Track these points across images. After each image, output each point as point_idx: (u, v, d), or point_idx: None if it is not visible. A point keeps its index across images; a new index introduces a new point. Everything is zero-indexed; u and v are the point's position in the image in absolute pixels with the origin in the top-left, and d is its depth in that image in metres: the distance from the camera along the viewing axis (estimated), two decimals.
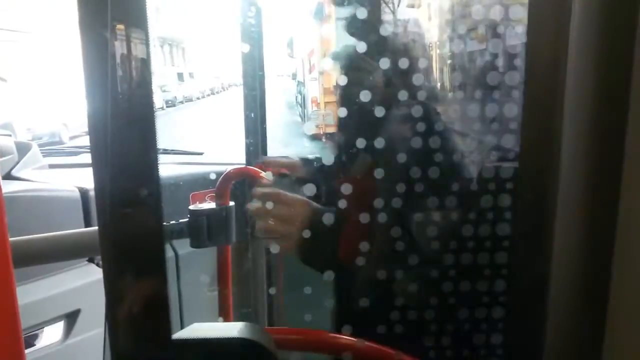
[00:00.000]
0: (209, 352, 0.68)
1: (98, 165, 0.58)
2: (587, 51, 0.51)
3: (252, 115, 1.98)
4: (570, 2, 0.51)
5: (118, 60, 0.56)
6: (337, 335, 0.87)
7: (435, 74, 0.90)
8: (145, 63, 0.57)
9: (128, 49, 0.56)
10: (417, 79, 0.76)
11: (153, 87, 0.58)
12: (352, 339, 0.85)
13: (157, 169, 0.59)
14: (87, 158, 2.50)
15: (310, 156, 1.07)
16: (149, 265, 0.64)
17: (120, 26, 0.55)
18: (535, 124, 0.55)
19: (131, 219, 0.60)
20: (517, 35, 0.65)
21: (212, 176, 1.57)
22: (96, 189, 0.59)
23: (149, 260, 0.63)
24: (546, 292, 0.56)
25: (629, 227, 0.51)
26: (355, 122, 0.87)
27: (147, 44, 0.57)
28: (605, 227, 0.53)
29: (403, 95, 0.76)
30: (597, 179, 0.53)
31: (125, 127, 0.57)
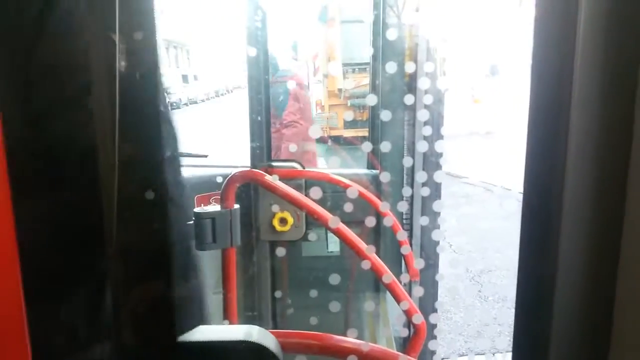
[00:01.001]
0: (215, 355, 0.68)
1: (106, 167, 0.58)
2: (594, 53, 0.51)
3: (258, 118, 1.99)
4: (577, 1, 0.51)
5: (126, 63, 0.56)
6: (342, 338, 0.87)
7: None
8: (154, 66, 0.57)
9: (136, 53, 0.56)
10: None
11: (161, 90, 0.58)
12: (357, 342, 0.85)
13: (163, 172, 0.59)
14: None
15: None
16: (155, 267, 0.64)
17: (129, 29, 0.56)
18: (541, 126, 0.55)
19: (137, 220, 0.60)
20: None
21: (219, 179, 1.57)
22: (104, 191, 0.59)
23: (155, 262, 0.63)
24: (552, 293, 0.56)
25: (635, 228, 0.51)
26: None
27: (155, 48, 0.57)
28: (611, 227, 0.53)
29: None
30: (603, 180, 0.53)
31: (132, 129, 0.57)
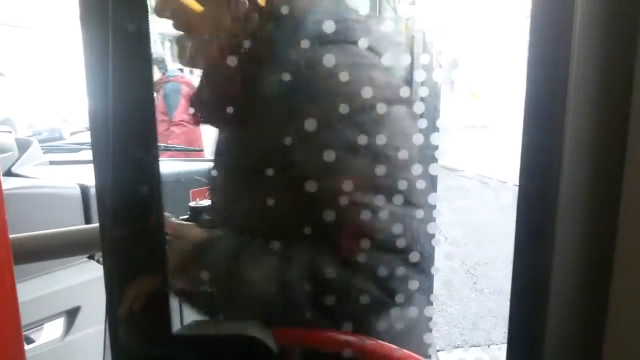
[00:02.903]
0: (209, 348, 0.68)
1: (99, 162, 0.58)
2: (589, 49, 0.51)
3: None
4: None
5: (119, 56, 0.55)
6: (338, 332, 0.87)
7: None
8: (147, 59, 0.57)
9: (129, 46, 0.56)
10: None
11: (154, 84, 0.58)
12: (353, 335, 0.85)
13: (158, 166, 0.59)
14: (87, 155, 2.49)
15: None
16: (150, 262, 0.64)
17: (122, 24, 0.55)
18: (537, 119, 0.54)
19: (132, 215, 0.60)
20: None
21: (214, 173, 1.56)
22: (97, 185, 0.59)
23: (150, 256, 0.63)
24: (547, 285, 0.56)
25: (631, 220, 0.51)
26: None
27: (148, 41, 0.56)
28: (607, 220, 0.53)
29: None
30: (599, 173, 0.53)
31: (126, 124, 0.57)
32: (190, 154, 3.14)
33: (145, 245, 0.62)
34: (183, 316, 0.81)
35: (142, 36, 0.55)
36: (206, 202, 1.46)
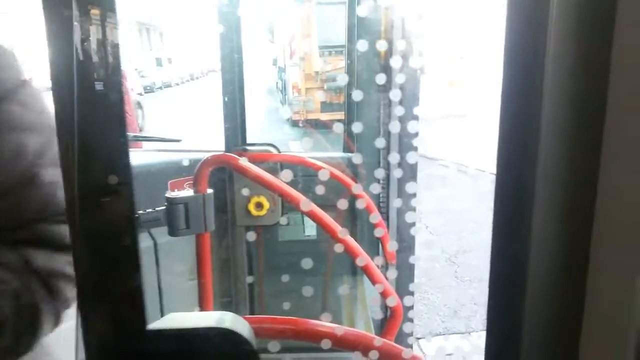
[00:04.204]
0: (185, 342, 0.67)
1: (65, 152, 0.56)
2: (567, 39, 0.51)
3: (231, 99, 1.95)
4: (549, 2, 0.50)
5: (85, 43, 0.53)
6: (317, 323, 0.86)
7: None
8: (114, 45, 0.55)
9: (95, 31, 0.54)
10: None
11: (122, 71, 0.56)
12: (332, 325, 0.85)
13: (127, 156, 0.57)
14: None
15: None
16: (122, 255, 0.62)
17: (87, 7, 0.53)
18: (514, 108, 0.54)
19: (101, 207, 0.58)
20: None
21: (185, 162, 1.54)
22: (64, 177, 0.57)
23: (122, 249, 0.62)
24: (525, 273, 0.56)
25: (606, 209, 0.51)
26: None
27: (115, 26, 0.54)
28: (584, 208, 0.53)
29: None
30: (576, 161, 0.53)
31: (93, 112, 0.55)
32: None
33: (117, 238, 0.60)
34: (163, 309, 0.80)
35: (109, 21, 0.53)
36: (185, 193, 1.44)
